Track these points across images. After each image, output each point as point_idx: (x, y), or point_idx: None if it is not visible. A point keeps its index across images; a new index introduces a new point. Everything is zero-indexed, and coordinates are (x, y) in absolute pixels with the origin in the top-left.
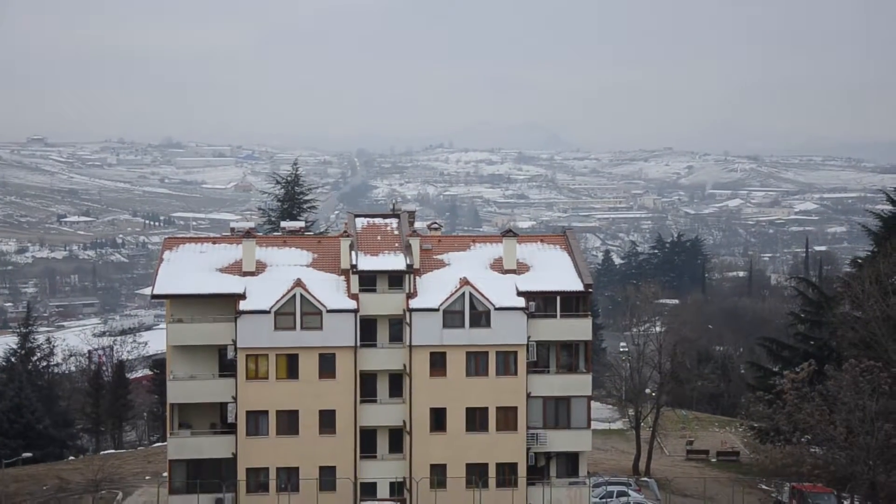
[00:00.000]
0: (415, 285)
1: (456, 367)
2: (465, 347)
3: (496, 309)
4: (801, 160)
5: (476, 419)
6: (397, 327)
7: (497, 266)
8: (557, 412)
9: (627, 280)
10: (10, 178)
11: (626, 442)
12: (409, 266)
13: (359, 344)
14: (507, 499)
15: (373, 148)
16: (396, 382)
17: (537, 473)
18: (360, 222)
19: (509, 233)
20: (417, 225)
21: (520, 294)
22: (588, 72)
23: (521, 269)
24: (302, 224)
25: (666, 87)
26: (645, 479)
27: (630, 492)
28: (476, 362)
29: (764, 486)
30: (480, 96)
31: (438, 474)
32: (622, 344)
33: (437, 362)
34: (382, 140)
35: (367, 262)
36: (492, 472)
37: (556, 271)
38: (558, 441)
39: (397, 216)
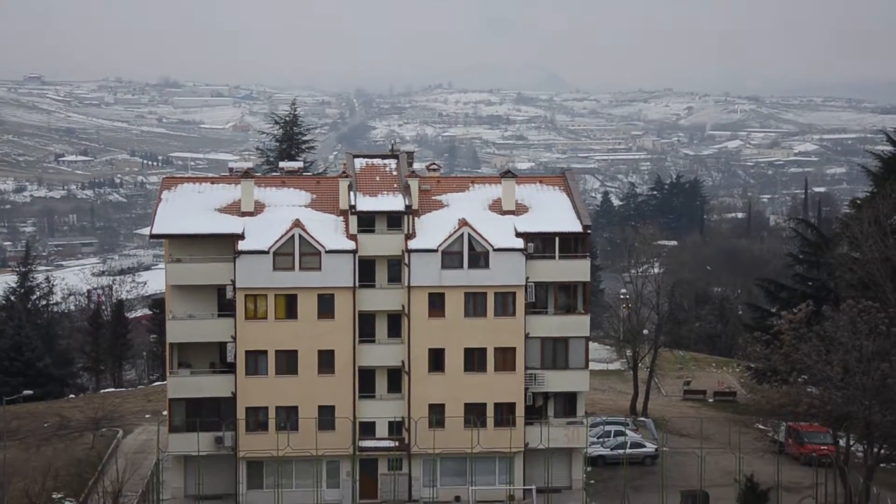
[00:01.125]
0: (413, 227)
1: (454, 307)
2: (463, 288)
3: (495, 250)
4: (801, 101)
5: (474, 359)
6: (395, 268)
7: (496, 207)
8: (555, 353)
9: (626, 221)
10: (8, 117)
11: (623, 382)
12: (408, 207)
13: (357, 284)
14: (504, 438)
15: (371, 88)
16: (395, 323)
17: (535, 413)
18: (359, 163)
19: (508, 174)
20: (416, 166)
21: (518, 235)
22: (588, 12)
23: (520, 210)
24: (300, 164)
25: (666, 28)
26: (642, 419)
27: (627, 431)
28: (474, 303)
29: (760, 426)
30: (480, 36)
31: (437, 414)
32: (622, 291)
33: (436, 303)
34: (381, 80)
35: (365, 203)
36: (490, 411)
37: (554, 212)
38: (556, 381)
39: (396, 157)
